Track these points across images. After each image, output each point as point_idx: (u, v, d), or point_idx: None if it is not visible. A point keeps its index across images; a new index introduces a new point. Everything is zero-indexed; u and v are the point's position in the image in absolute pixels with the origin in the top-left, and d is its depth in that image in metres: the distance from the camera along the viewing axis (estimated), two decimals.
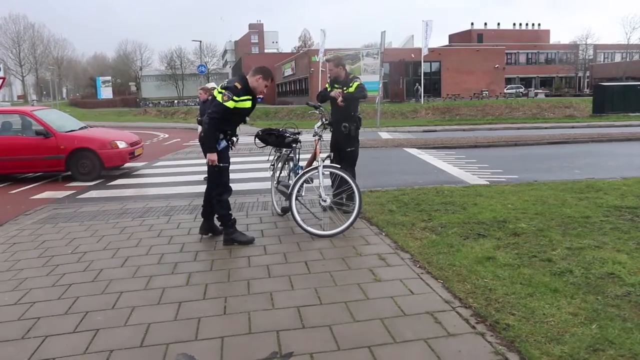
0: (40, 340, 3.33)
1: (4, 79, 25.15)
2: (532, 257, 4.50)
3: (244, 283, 4.16)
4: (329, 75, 6.57)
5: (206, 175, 9.75)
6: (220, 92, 5.13)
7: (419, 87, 40.07)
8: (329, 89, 6.39)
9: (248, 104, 5.21)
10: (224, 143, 5.22)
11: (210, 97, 9.43)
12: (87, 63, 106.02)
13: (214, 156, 5.11)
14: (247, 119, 5.53)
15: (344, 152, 6.36)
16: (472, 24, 76.95)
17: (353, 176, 5.86)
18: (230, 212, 5.35)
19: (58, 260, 5.02)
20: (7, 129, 11.03)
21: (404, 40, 57.43)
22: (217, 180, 5.30)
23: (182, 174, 11.01)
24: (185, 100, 67.45)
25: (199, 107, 10.41)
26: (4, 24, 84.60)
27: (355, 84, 6.21)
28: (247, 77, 5.22)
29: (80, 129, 11.62)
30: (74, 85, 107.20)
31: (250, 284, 4.13)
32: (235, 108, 5.09)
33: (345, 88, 6.17)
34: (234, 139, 5.37)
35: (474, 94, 46.65)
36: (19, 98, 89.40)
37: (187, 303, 3.80)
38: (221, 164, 5.20)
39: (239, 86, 5.11)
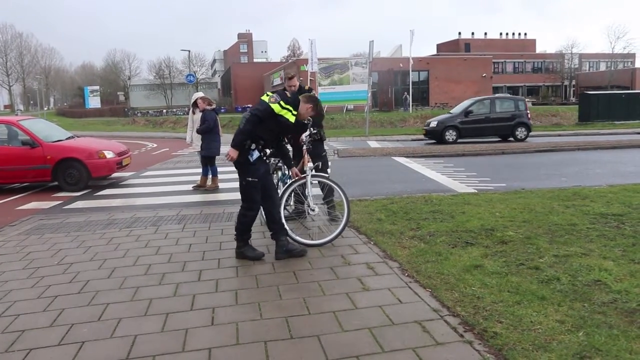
0: (24, 354, 3.28)
1: None
2: (520, 265, 4.52)
3: (232, 293, 4.13)
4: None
5: (195, 185, 9.87)
6: (268, 94, 4.97)
7: (407, 96, 40.31)
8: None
9: (291, 118, 4.90)
10: (256, 154, 4.90)
11: (203, 110, 9.47)
12: (75, 72, 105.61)
13: (234, 152, 4.81)
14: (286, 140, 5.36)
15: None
16: (459, 33, 77.67)
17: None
18: (250, 231, 5.15)
19: (44, 272, 4.96)
20: None
21: (392, 49, 57.70)
22: (246, 195, 5.01)
23: (171, 183, 10.95)
24: (174, 110, 67.37)
25: (190, 117, 10.35)
26: None
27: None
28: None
29: (67, 138, 11.53)
30: (61, 95, 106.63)
31: (238, 294, 4.10)
32: (279, 115, 4.82)
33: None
34: (267, 151, 5.10)
35: None
36: (5, 107, 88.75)
37: (174, 314, 3.77)
38: (250, 178, 4.92)
39: (289, 96, 4.98)
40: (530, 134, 20.60)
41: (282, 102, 4.83)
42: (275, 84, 57.86)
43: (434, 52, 76.38)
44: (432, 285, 4.13)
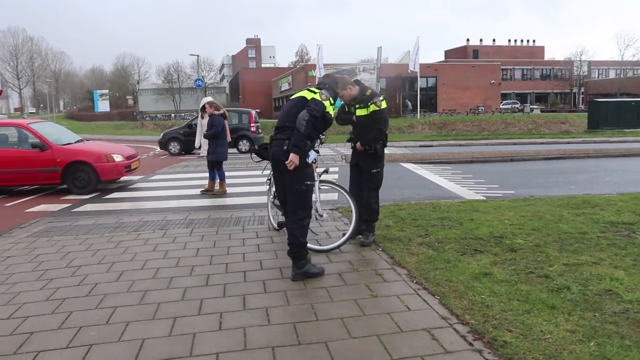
0: (33, 356, 3.29)
1: (0, 91, 25.23)
2: (529, 273, 4.48)
3: (240, 298, 4.12)
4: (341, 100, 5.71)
5: (203, 189, 9.89)
6: (313, 92, 4.64)
7: (408, 102, 40.21)
8: (346, 109, 5.74)
9: (332, 114, 4.72)
10: (313, 154, 4.63)
11: (210, 115, 9.49)
12: (85, 76, 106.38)
13: (297, 159, 4.39)
14: (324, 136, 5.12)
15: (369, 173, 5.62)
16: (467, 39, 77.64)
17: (377, 201, 5.66)
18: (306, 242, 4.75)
19: (52, 274, 4.97)
20: (4, 142, 10.98)
21: (400, 55, 57.76)
22: (303, 200, 4.63)
23: (179, 187, 10.97)
24: (182, 114, 67.68)
25: (198, 122, 10.39)
26: (2, 37, 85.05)
27: (372, 108, 5.42)
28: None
29: (76, 142, 11.58)
30: (71, 98, 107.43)
31: (246, 299, 4.09)
32: (326, 112, 4.59)
33: (362, 105, 5.50)
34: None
35: (470, 109, 46.90)
36: (15, 110, 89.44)
37: (182, 318, 3.76)
38: (309, 182, 4.60)
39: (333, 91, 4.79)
40: (519, 141, 20.33)
41: (330, 100, 4.67)
42: (283, 89, 58.05)
43: (442, 58, 76.37)
44: (440, 292, 4.10)
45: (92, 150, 10.94)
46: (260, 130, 21.89)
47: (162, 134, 21.57)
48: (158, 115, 69.23)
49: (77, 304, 4.16)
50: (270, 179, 6.65)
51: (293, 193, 4.59)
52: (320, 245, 5.50)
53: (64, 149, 10.68)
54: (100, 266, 5.17)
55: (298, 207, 4.62)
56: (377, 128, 5.43)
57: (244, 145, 20.77)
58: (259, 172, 7.03)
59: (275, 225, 6.36)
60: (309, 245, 5.34)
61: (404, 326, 3.50)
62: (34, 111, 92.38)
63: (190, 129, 20.29)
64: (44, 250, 5.92)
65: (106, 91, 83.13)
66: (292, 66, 78.40)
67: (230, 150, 10.70)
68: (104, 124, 61.16)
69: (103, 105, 78.84)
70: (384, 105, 5.45)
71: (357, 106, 5.53)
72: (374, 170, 5.62)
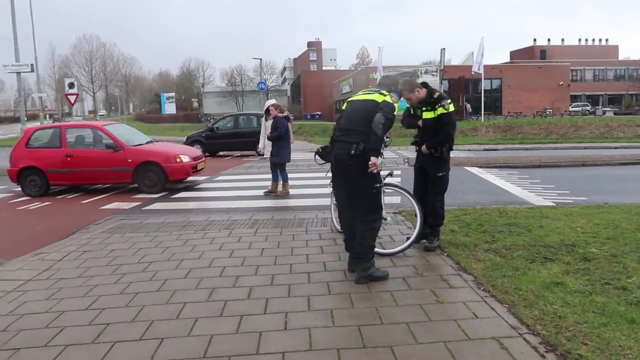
0: (109, 346, 3.46)
1: (77, 95, 26.62)
2: (605, 284, 4.26)
3: (304, 299, 4.16)
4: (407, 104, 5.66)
5: (267, 190, 10.05)
6: (384, 94, 4.63)
7: (468, 105, 39.20)
8: (412, 112, 5.68)
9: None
10: (381, 157, 4.65)
11: (274, 117, 9.65)
12: (153, 80, 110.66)
13: (378, 162, 4.42)
14: (387, 139, 5.10)
15: (434, 176, 5.51)
16: (534, 40, 75.00)
17: (442, 205, 5.58)
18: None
19: (125, 269, 5.21)
20: (80, 143, 11.65)
21: (463, 57, 56.54)
22: (373, 203, 4.68)
23: (243, 188, 11.21)
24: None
25: (262, 124, 10.59)
26: (78, 43, 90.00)
27: (440, 111, 5.30)
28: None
29: (146, 143, 12.08)
30: (140, 101, 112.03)
31: (311, 300, 4.13)
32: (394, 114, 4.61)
33: (429, 108, 5.40)
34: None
35: (537, 112, 45.21)
36: (89, 113, 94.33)
37: (248, 317, 3.84)
38: (378, 185, 4.64)
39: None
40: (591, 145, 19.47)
41: (397, 103, 4.70)
42: (344, 91, 58.12)
43: (507, 59, 74.11)
44: (509, 301, 3.98)
45: (161, 151, 11.38)
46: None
47: (186, 137, 22.37)
48: None
49: (148, 298, 4.34)
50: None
51: (364, 196, 4.61)
52: (383, 248, 5.46)
53: (135, 150, 11.17)
54: (170, 263, 5.36)
55: (369, 210, 4.64)
56: (444, 131, 5.34)
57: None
58: (322, 174, 7.07)
59: (339, 228, 6.36)
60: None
61: (472, 334, 3.42)
62: (104, 113, 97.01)
63: (213, 132, 21.45)
64: (117, 246, 6.20)
65: (172, 94, 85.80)
66: (353, 69, 78.37)
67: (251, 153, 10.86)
68: (171, 125, 63.32)
69: (170, 108, 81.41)
70: (451, 108, 5.35)
71: (423, 109, 5.46)
72: (440, 174, 5.52)
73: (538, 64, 56.28)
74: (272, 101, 10.38)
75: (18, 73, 21.01)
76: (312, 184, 11.12)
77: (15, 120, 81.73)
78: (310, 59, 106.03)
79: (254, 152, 19.58)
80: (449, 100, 5.42)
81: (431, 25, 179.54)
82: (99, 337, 3.60)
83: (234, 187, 11.48)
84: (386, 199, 5.65)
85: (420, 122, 5.54)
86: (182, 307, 4.10)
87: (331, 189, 6.68)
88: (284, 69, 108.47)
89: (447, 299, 4.11)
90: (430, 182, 5.59)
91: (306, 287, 4.46)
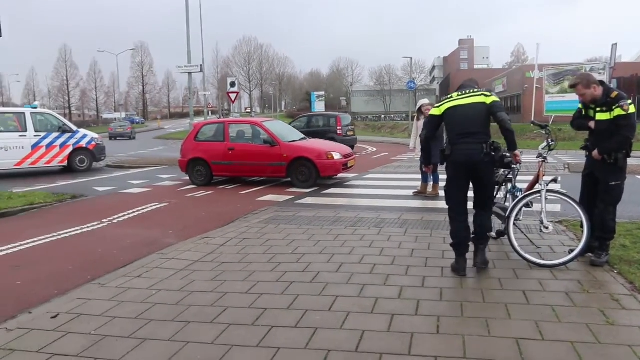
0: (267, 329, 3.66)
1: (237, 93, 28.71)
2: None
3: (457, 304, 4.03)
4: (581, 100, 5.21)
5: (416, 190, 9.93)
6: (487, 95, 4.83)
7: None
8: (583, 112, 5.26)
9: None
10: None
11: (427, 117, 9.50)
12: (304, 79, 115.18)
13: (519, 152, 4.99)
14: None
15: (606, 185, 5.01)
16: None
17: (614, 218, 5.08)
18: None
19: (280, 259, 5.48)
20: (241, 137, 12.54)
21: (635, 53, 50.80)
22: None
23: (392, 187, 11.19)
24: (392, 116, 69.13)
25: (414, 123, 10.51)
26: (238, 45, 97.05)
27: (617, 112, 4.80)
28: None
29: (300, 139, 12.64)
30: (291, 99, 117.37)
31: (464, 306, 3.98)
32: None
33: (604, 109, 4.93)
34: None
35: None
36: (245, 110, 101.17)
37: (399, 316, 3.82)
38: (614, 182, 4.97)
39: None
40: None
41: None
42: (497, 91, 55.49)
43: None
44: None
45: (314, 147, 11.82)
46: (348, 132, 22.11)
47: None
48: (369, 117, 71.82)
49: (302, 288, 4.51)
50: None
51: (491, 188, 5.15)
52: (542, 259, 5.09)
53: (289, 146, 11.74)
54: (322, 256, 5.52)
55: (491, 199, 5.19)
56: (621, 135, 4.81)
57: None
58: None
59: (493, 234, 6.06)
60: (530, 258, 5.01)
61: None
62: (258, 111, 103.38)
63: None
64: (272, 236, 6.55)
65: (322, 93, 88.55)
66: (506, 67, 74.46)
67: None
68: None
69: (319, 106, 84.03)
70: (632, 109, 4.80)
71: (597, 109, 4.97)
72: (613, 183, 4.97)
73: None
74: (426, 100, 10.23)
75: (189, 73, 23.24)
76: None
77: (182, 115, 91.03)
78: (461, 57, 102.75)
79: None
80: (630, 101, 4.87)
81: (597, 19, 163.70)
82: (258, 320, 3.83)
83: (383, 186, 11.52)
84: (548, 207, 5.27)
85: (592, 124, 5.07)
86: (334, 300, 4.20)
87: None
88: (433, 67, 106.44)
89: (619, 321, 3.70)
90: (601, 191, 5.08)
91: (459, 293, 4.31)
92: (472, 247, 4.96)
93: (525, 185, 5.79)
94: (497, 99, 4.82)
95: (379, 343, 3.39)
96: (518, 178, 5.90)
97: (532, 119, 6.72)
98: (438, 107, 5.06)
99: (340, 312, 3.93)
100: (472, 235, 4.97)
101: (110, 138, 43.75)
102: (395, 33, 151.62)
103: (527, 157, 6.80)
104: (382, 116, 71.75)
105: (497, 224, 6.04)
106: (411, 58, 48.45)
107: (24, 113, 15.65)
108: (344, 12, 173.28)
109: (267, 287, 4.58)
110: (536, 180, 5.45)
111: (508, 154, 5.58)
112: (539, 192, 5.19)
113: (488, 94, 4.83)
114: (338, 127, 21.95)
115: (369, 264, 5.16)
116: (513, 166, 5.68)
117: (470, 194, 4.99)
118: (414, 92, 51.87)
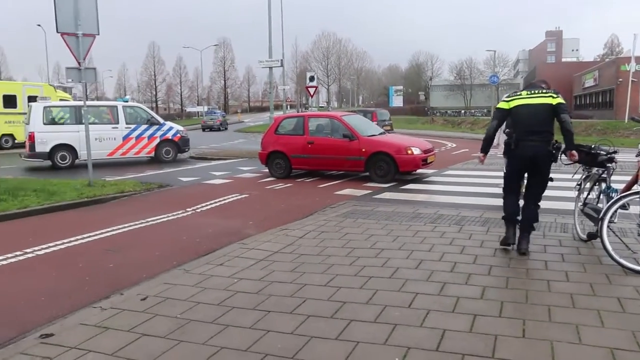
0: (346, 323, 3.68)
1: (316, 87, 28.96)
2: None
3: (545, 308, 3.85)
4: None
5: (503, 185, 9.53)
6: (553, 96, 5.14)
7: None
8: None
9: None
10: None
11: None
12: (382, 73, 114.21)
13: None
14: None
15: None
16: None
17: None
18: None
19: (359, 253, 5.48)
20: (320, 131, 12.64)
21: None
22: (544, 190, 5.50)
23: (472, 184, 10.86)
24: (472, 111, 67.13)
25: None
26: (317, 40, 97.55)
27: None
28: None
29: (379, 134, 12.56)
30: (369, 94, 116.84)
31: (552, 311, 3.80)
32: None
33: None
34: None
35: None
36: (323, 103, 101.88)
37: (482, 317, 3.71)
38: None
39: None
40: None
41: None
42: (587, 85, 52.37)
43: None
44: None
45: (393, 142, 11.71)
46: (384, 127, 20.77)
47: None
48: (448, 112, 70.13)
49: (381, 283, 4.50)
50: (580, 184, 6.07)
51: (546, 182, 5.42)
52: (639, 264, 4.75)
53: (369, 140, 11.70)
54: (401, 252, 5.47)
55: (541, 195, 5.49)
56: None
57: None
58: (562, 175, 6.46)
59: (583, 235, 5.75)
60: (628, 264, 4.69)
61: None
62: (335, 105, 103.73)
63: None
64: (350, 230, 6.57)
65: (401, 87, 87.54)
66: (598, 60, 70.08)
67: None
68: (396, 118, 64.54)
69: (397, 101, 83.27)
70: None
71: None
72: None
73: None
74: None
75: (270, 68, 23.73)
76: (551, 185, 10.23)
77: (261, 109, 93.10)
78: (548, 50, 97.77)
79: None
80: None
81: None
82: (337, 313, 3.86)
83: (463, 183, 11.21)
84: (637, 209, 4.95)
85: None
86: (414, 297, 4.15)
87: (577, 193, 6.10)
88: (517, 61, 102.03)
89: None
90: None
91: (545, 297, 4.11)
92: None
93: (621, 186, 5.43)
94: (563, 101, 5.11)
95: (461, 343, 3.31)
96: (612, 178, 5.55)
97: (631, 115, 6.32)
98: (507, 101, 5.35)
99: (421, 310, 3.88)
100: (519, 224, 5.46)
101: (203, 130, 46.10)
102: (476, 26, 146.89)
103: (623, 156, 6.35)
104: (462, 111, 69.80)
105: (588, 226, 5.73)
106: (494, 51, 46.68)
107: (116, 106, 16.66)
108: (425, 2, 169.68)
109: (346, 281, 4.59)
110: (635, 181, 5.10)
111: (603, 152, 5.29)
112: (637, 193, 4.86)
113: (555, 95, 5.11)
114: (374, 122, 21.76)
115: (449, 262, 5.05)
116: (608, 165, 5.36)
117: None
118: (496, 87, 50.01)
